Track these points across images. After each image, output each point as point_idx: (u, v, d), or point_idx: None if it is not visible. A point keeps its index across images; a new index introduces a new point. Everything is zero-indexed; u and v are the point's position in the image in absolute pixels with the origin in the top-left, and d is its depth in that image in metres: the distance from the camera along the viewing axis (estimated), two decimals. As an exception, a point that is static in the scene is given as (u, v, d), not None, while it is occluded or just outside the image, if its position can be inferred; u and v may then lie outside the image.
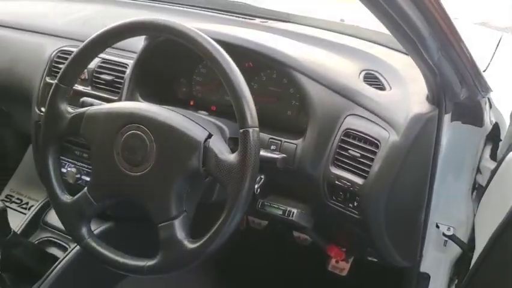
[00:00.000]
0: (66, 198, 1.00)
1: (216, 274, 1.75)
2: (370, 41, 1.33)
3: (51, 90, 1.00)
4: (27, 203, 2.01)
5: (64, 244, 1.37)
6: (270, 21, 1.44)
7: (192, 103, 1.32)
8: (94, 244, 0.97)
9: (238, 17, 1.48)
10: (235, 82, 0.86)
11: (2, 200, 2.05)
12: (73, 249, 1.32)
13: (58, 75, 1.00)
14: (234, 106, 0.86)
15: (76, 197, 0.99)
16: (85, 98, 1.13)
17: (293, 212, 1.11)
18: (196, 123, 0.93)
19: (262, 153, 0.93)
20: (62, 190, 1.01)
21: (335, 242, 1.30)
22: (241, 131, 0.85)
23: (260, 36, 1.17)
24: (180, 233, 0.90)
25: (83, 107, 1.10)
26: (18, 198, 2.03)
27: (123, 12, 1.62)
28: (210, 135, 0.91)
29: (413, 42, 0.80)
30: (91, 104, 1.12)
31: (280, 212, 1.13)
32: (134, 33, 0.97)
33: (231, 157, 0.87)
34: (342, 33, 1.38)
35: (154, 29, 0.93)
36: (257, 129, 0.86)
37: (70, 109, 1.00)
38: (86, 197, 0.97)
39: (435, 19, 0.76)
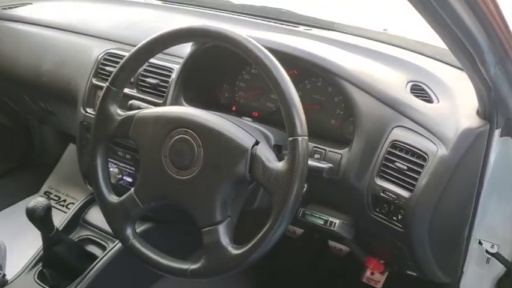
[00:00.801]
0: (112, 198, 1.02)
1: (248, 279, 1.75)
2: (416, 52, 1.31)
3: (103, 92, 1.02)
4: (64, 201, 2.07)
5: (103, 243, 1.40)
6: (313, 29, 1.44)
7: (234, 108, 1.33)
8: (138, 245, 0.98)
9: (282, 24, 1.49)
10: (286, 90, 0.86)
11: (42, 197, 2.11)
12: (112, 249, 1.34)
13: (110, 78, 1.02)
14: (284, 114, 0.86)
15: (122, 197, 1.00)
16: (132, 101, 1.15)
17: (335, 223, 1.10)
18: (244, 129, 0.94)
19: (310, 162, 0.92)
20: (109, 190, 1.03)
21: (373, 253, 1.29)
22: (290, 139, 0.85)
23: (307, 43, 1.17)
24: (224, 239, 0.90)
25: (131, 109, 1.12)
26: (56, 196, 2.09)
27: (167, 16, 1.65)
28: (257, 142, 0.91)
29: (470, 56, 0.78)
30: (139, 107, 1.14)
31: (322, 222, 1.12)
32: (189, 39, 0.99)
33: (279, 165, 0.87)
34: (387, 43, 1.36)
35: (208, 35, 0.93)
36: (306, 138, 0.85)
37: (119, 111, 1.02)
38: (133, 198, 0.98)
39: (496, 32, 0.74)
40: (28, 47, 1.64)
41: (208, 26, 0.93)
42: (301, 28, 1.45)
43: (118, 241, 1.36)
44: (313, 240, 1.58)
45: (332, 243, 1.43)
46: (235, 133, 0.92)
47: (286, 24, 1.48)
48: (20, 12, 1.79)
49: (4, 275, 1.21)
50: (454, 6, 0.67)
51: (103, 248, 1.39)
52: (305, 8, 1.61)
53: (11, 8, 1.83)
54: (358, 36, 1.41)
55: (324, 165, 0.96)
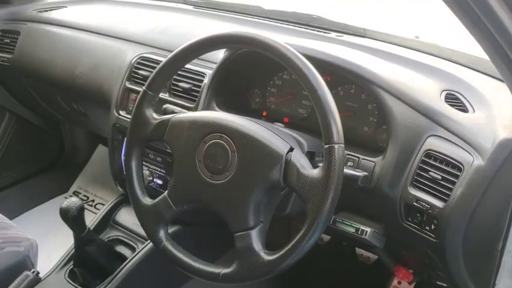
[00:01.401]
0: (146, 200, 1.03)
1: (272, 285, 1.75)
2: (449, 60, 1.30)
3: (139, 96, 1.03)
4: (93, 201, 2.11)
5: (133, 244, 1.42)
6: (345, 36, 1.44)
7: (264, 114, 1.33)
8: (171, 248, 0.99)
9: (313, 30, 1.49)
10: (323, 97, 0.86)
11: (70, 196, 2.16)
12: (141, 250, 1.36)
13: (146, 82, 1.03)
14: (320, 121, 0.86)
15: (156, 200, 1.01)
16: (167, 105, 1.16)
17: (366, 231, 1.10)
18: (278, 135, 0.94)
19: (345, 170, 0.92)
20: (143, 192, 1.04)
21: (403, 263, 1.27)
22: (326, 146, 0.85)
23: (340, 50, 1.17)
24: (257, 244, 0.91)
25: (165, 113, 1.13)
26: (85, 195, 2.14)
27: (198, 21, 1.66)
28: (291, 149, 0.91)
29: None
30: (173, 111, 1.15)
31: (353, 230, 1.11)
32: (226, 45, 0.99)
33: (314, 172, 0.86)
34: (419, 51, 1.35)
35: (245, 42, 0.94)
36: (343, 145, 0.85)
37: (155, 115, 1.03)
38: (166, 200, 0.99)
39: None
40: (63, 49, 1.68)
41: (245, 33, 0.94)
42: (333, 34, 1.44)
43: (147, 242, 1.38)
44: (340, 247, 1.57)
45: (359, 250, 1.42)
46: (269, 139, 0.92)
47: (317, 30, 1.48)
48: (55, 15, 1.83)
49: (38, 272, 1.23)
50: (495, 11, 0.66)
51: (132, 249, 1.41)
52: (336, 14, 1.61)
53: (46, 10, 1.87)
54: (390, 43, 1.40)
55: (359, 173, 0.96)
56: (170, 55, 1.01)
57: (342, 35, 1.44)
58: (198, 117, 0.99)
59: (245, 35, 0.93)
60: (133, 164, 1.05)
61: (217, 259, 1.54)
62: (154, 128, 1.02)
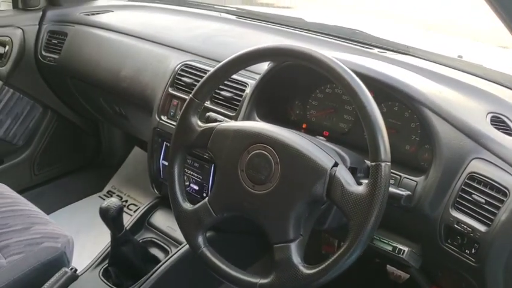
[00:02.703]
0: (187, 206, 1.04)
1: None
2: (493, 82, 1.28)
3: (186, 103, 1.05)
4: (126, 201, 2.15)
5: (166, 247, 1.44)
6: (388, 52, 1.43)
7: (304, 126, 1.34)
8: (209, 254, 1.00)
9: (356, 45, 1.49)
10: (372, 114, 0.86)
11: (104, 195, 2.20)
12: (174, 254, 1.38)
13: (194, 90, 1.05)
14: (368, 138, 0.86)
15: (196, 206, 1.03)
16: (210, 113, 1.18)
17: (404, 251, 1.08)
18: (322, 150, 0.94)
19: (389, 188, 0.91)
20: (184, 198, 1.06)
21: (437, 284, 1.25)
22: (373, 163, 0.85)
23: (387, 67, 1.17)
24: (296, 257, 0.91)
25: (208, 121, 1.15)
26: (118, 196, 2.18)
27: (241, 31, 1.68)
28: (336, 164, 0.91)
29: None
30: (215, 119, 1.17)
31: (390, 248, 1.10)
32: (276, 58, 1.00)
33: (359, 189, 0.86)
34: (463, 71, 1.34)
35: (295, 55, 0.95)
36: (389, 164, 0.85)
37: (200, 123, 1.05)
38: (207, 207, 1.01)
39: None
40: (108, 52, 1.72)
41: (296, 47, 0.95)
42: (375, 50, 1.44)
43: (180, 246, 1.40)
44: (370, 264, 1.56)
45: (390, 268, 1.40)
46: (314, 153, 0.92)
47: (359, 46, 1.48)
48: (102, 18, 1.88)
49: (76, 269, 1.26)
50: None
51: (166, 251, 1.43)
52: (379, 30, 1.61)
53: (93, 14, 1.93)
54: (433, 62, 1.39)
55: (403, 192, 0.95)
56: (219, 65, 1.03)
57: (385, 51, 1.43)
58: (242, 126, 1.00)
59: (296, 48, 0.94)
60: (176, 170, 1.06)
61: (247, 268, 1.55)
62: (199, 135, 1.04)
